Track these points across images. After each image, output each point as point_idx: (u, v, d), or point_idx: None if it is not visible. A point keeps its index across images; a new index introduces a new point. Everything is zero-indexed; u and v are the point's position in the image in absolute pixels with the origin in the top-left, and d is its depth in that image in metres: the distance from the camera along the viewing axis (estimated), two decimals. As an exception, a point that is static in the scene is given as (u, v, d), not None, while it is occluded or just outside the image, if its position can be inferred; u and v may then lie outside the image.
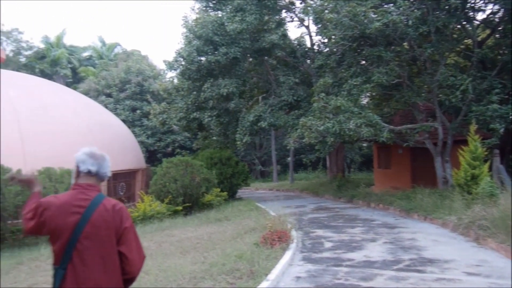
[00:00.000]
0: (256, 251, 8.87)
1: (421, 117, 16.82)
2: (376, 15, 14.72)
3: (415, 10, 14.67)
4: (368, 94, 20.21)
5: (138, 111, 33.39)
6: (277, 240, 9.60)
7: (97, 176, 3.22)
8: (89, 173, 3.18)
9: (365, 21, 14.75)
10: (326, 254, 9.41)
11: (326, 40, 20.42)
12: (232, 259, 8.24)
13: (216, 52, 19.34)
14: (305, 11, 19.47)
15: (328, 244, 10.48)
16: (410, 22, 14.52)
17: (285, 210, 14.08)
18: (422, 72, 16.77)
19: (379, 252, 9.41)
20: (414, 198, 15.07)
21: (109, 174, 3.28)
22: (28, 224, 2.99)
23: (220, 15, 20.52)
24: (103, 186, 18.22)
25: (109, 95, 34.62)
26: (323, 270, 8.09)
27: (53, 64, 43.70)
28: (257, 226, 11.69)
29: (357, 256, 9.11)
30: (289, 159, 33.79)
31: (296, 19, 22.25)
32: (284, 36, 21.06)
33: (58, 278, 2.97)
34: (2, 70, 23.61)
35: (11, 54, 42.92)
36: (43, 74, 40.79)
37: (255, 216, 14.07)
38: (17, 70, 36.59)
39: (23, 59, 45.28)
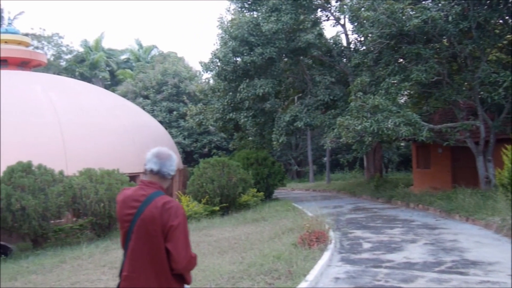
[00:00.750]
0: (294, 251, 8.82)
1: (462, 115, 16.42)
2: (415, 12, 14.46)
3: (455, 6, 14.34)
4: (406, 93, 19.87)
5: (174, 113, 33.73)
6: (315, 240, 9.52)
7: (158, 174, 3.39)
8: (151, 171, 3.39)
9: (403, 18, 14.50)
10: (365, 255, 9.28)
11: (362, 38, 20.19)
12: (270, 259, 8.21)
13: (251, 53, 19.36)
14: (341, 10, 19.28)
15: (366, 245, 10.33)
16: (450, 18, 14.20)
17: (322, 211, 13.95)
18: (462, 69, 16.38)
19: (420, 253, 9.22)
20: (455, 198, 14.72)
21: (172, 172, 3.44)
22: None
23: (255, 16, 20.52)
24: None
25: (146, 97, 35.10)
26: (362, 271, 7.98)
27: (92, 67, 44.61)
28: (295, 227, 11.63)
29: (397, 257, 8.95)
30: (325, 159, 33.53)
31: (331, 17, 22.05)
32: (320, 35, 20.91)
33: (121, 264, 3.33)
34: (45, 74, 24.27)
35: (52, 58, 44.06)
36: (83, 77, 41.70)
37: (292, 216, 14.01)
38: (58, 74, 37.53)
39: (63, 63, 46.41)
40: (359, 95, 15.43)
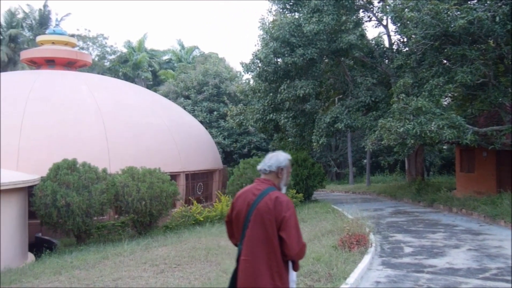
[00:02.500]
0: (334, 254, 8.76)
1: (508, 118, 15.95)
2: (460, 12, 14.12)
3: (503, 6, 13.93)
4: (450, 95, 19.43)
5: (215, 113, 34.00)
6: (355, 243, 9.44)
7: (262, 172, 3.94)
8: (260, 170, 3.95)
9: (448, 19, 14.20)
10: (406, 260, 9.14)
11: (405, 39, 19.86)
12: (309, 261, 8.19)
13: (292, 54, 19.32)
14: (383, 10, 19.02)
15: (408, 249, 10.17)
16: (497, 19, 13.80)
17: (362, 213, 13.79)
18: (509, 70, 15.91)
19: (463, 259, 9.02)
20: (500, 203, 14.31)
21: (266, 168, 3.90)
22: (227, 213, 4.00)
23: (297, 17, 20.47)
24: (181, 185, 18.73)
25: (187, 97, 35.51)
26: (404, 276, 7.86)
27: (135, 67, 45.46)
28: (334, 229, 11.55)
29: (440, 262, 8.78)
30: (365, 161, 33.17)
31: (374, 18, 21.80)
32: (362, 36, 20.68)
33: (238, 251, 3.78)
34: (90, 74, 24.90)
35: (96, 59, 45.16)
36: (126, 77, 42.55)
37: (331, 218, 13.91)
38: (102, 74, 38.43)
39: (107, 63, 47.50)
40: (401, 97, 15.18)
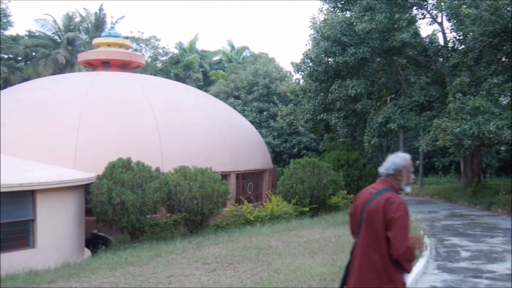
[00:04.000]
0: (387, 256, 8.56)
1: None
2: (521, 8, 13.60)
3: None
4: (510, 94, 18.71)
5: (265, 113, 34.04)
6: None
7: (382, 175, 4.14)
8: (381, 173, 4.14)
9: (508, 15, 13.67)
10: (463, 264, 8.85)
11: (462, 37, 19.25)
12: (363, 263, 8.03)
13: (344, 53, 19.09)
14: (438, 7, 18.51)
15: (464, 254, 9.85)
16: (561, 14, 13.20)
17: (416, 216, 13.49)
18: None
19: (525, 265, 8.64)
20: None
21: (384, 171, 4.10)
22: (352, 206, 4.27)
23: (348, 15, 20.21)
24: (232, 185, 18.85)
25: (237, 97, 35.71)
26: (461, 281, 7.61)
27: (186, 68, 46.11)
28: (387, 231, 11.30)
29: (499, 268, 8.45)
30: (418, 162, 32.39)
31: (428, 16, 21.25)
32: (416, 34, 20.19)
33: (353, 245, 4.05)
34: (143, 75, 25.44)
35: (149, 60, 46.10)
36: (177, 78, 43.22)
37: (384, 220, 13.62)
38: (154, 75, 39.18)
39: (159, 64, 48.40)
40: (458, 96, 14.75)
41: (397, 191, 4.02)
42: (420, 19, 21.42)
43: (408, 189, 4.11)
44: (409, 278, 7.22)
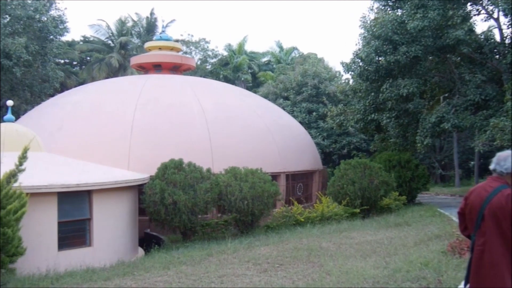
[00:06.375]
0: (443, 259, 8.35)
1: None
2: None
3: None
4: None
5: (314, 113, 33.84)
6: (466, 249, 8.91)
7: (496, 172, 4.23)
8: (493, 170, 4.24)
9: None
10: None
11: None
12: (417, 266, 7.87)
13: (395, 52, 18.76)
14: (494, 3, 17.88)
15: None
16: None
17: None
18: None
19: None
20: None
21: (504, 170, 4.16)
22: (460, 205, 4.46)
23: (399, 13, 19.84)
24: (282, 186, 18.84)
25: (286, 98, 35.67)
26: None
27: (235, 70, 46.49)
28: (442, 234, 11.05)
29: None
30: (473, 162, 31.45)
31: (483, 11, 20.56)
32: (470, 31, 19.60)
33: (472, 240, 4.20)
34: (193, 77, 25.82)
35: (199, 62, 46.75)
36: (226, 80, 43.61)
37: (438, 222, 13.33)
38: (204, 77, 39.71)
39: (209, 66, 49.00)
40: (516, 95, 14.23)
41: None
42: (474, 15, 20.75)
43: None
44: (466, 282, 7.02)
